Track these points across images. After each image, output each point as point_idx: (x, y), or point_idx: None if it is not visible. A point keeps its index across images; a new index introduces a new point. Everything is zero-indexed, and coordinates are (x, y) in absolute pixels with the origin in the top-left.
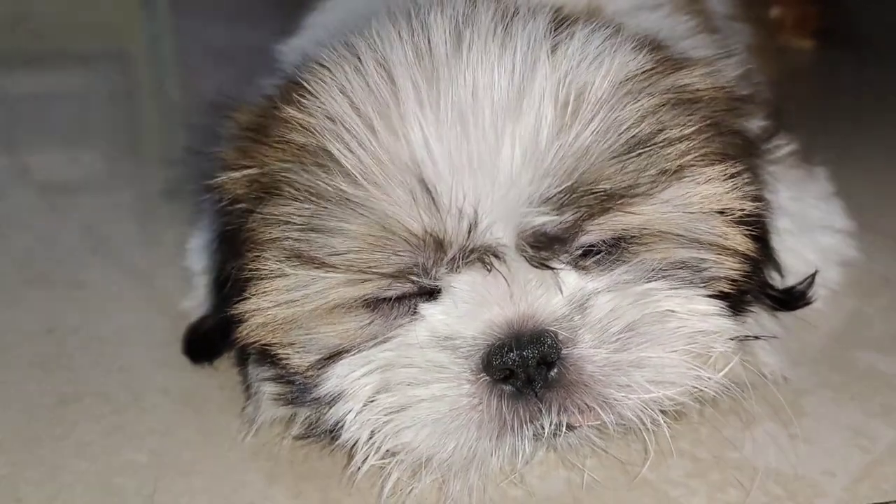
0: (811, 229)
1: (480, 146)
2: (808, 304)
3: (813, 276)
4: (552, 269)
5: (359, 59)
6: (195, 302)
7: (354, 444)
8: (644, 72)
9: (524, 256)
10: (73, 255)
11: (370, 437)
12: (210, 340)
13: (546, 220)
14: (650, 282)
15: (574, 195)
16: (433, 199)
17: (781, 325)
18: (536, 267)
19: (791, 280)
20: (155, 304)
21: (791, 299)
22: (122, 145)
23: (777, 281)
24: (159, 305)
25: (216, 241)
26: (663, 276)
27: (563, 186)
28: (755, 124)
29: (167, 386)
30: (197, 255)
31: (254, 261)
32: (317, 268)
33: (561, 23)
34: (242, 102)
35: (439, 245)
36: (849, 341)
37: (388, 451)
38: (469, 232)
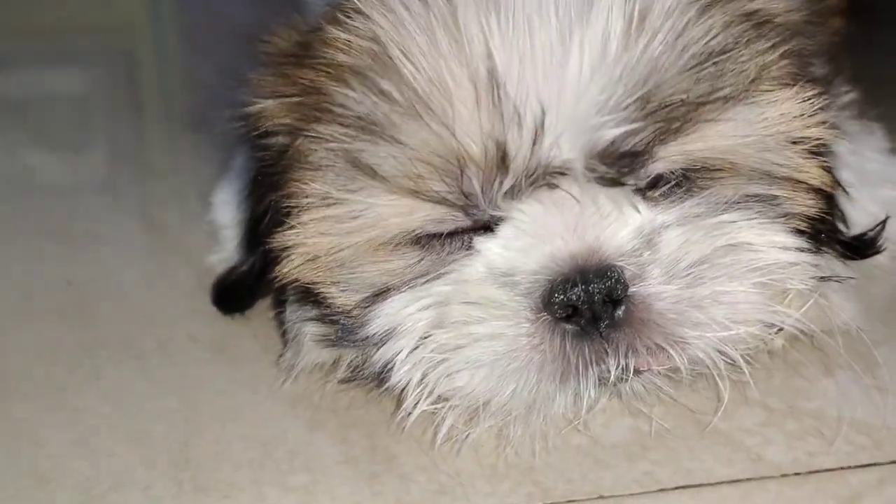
0: (871, 183)
1: (547, 54)
2: (878, 251)
3: (884, 222)
4: (623, 185)
5: None
6: (223, 255)
7: (405, 388)
8: None
9: (594, 176)
10: (91, 210)
11: (422, 380)
12: (242, 288)
13: (618, 132)
14: (723, 214)
15: (647, 107)
16: (496, 106)
17: (853, 273)
18: (608, 185)
19: (855, 232)
20: (179, 256)
21: (861, 246)
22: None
23: (845, 231)
24: (184, 257)
25: (251, 182)
26: (737, 209)
27: (635, 96)
28: (818, 67)
29: (195, 334)
30: (224, 207)
31: (297, 187)
32: (367, 184)
33: None
34: (279, 28)
35: (502, 160)
36: None
37: (441, 395)
38: (534, 144)
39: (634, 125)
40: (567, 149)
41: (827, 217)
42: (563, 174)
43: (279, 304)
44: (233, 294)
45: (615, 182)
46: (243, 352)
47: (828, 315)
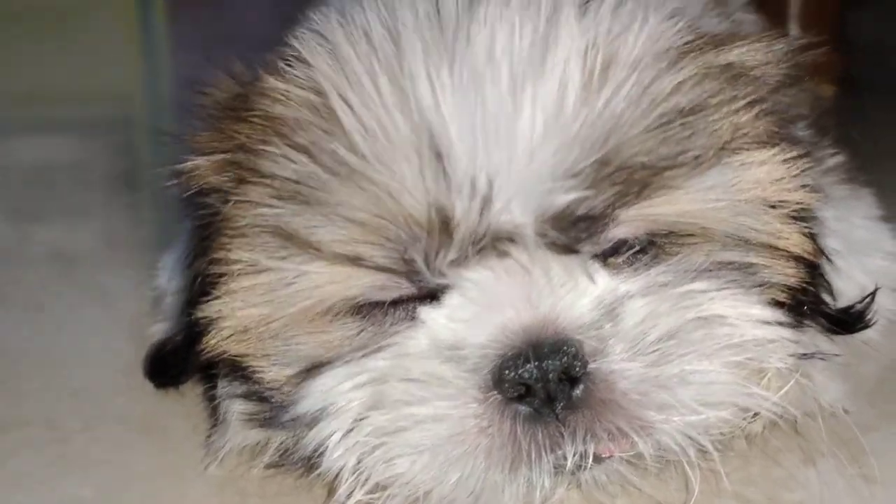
0: (860, 251)
1: (497, 111)
2: (866, 326)
3: (873, 294)
4: (578, 252)
5: (358, 22)
6: (164, 325)
7: (338, 475)
8: (684, 43)
9: (546, 243)
10: (41, 278)
11: (357, 466)
12: (176, 360)
13: (573, 197)
14: (693, 282)
15: (605, 170)
16: (441, 169)
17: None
18: (559, 252)
19: (841, 304)
20: (121, 328)
21: (849, 320)
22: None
23: (830, 304)
24: (125, 329)
25: (189, 243)
26: (708, 277)
27: (591, 159)
28: (800, 130)
29: (124, 413)
30: (168, 273)
31: (228, 253)
32: (300, 256)
33: None
34: (221, 78)
35: (446, 226)
36: None
37: (378, 483)
38: (482, 210)
39: (591, 190)
40: (517, 213)
41: (809, 288)
42: (512, 240)
43: (209, 379)
44: (166, 367)
45: (569, 249)
46: (173, 432)
47: (811, 397)
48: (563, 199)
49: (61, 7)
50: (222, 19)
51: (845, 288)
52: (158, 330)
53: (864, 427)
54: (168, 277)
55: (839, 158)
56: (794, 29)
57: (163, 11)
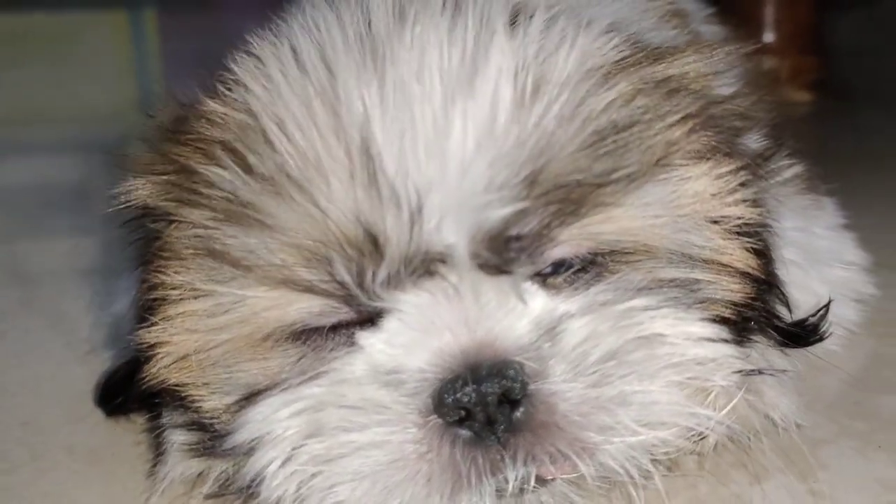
0: (820, 262)
1: (428, 126)
2: (821, 339)
3: (826, 306)
4: (513, 273)
5: (291, 44)
6: (115, 354)
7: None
8: (619, 59)
9: (479, 263)
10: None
11: (296, 494)
12: (123, 388)
13: (505, 213)
14: (633, 300)
15: (539, 186)
16: (372, 188)
17: (792, 365)
18: (494, 273)
19: (799, 316)
20: (75, 355)
21: (802, 333)
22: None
23: (786, 316)
24: (80, 356)
25: (132, 267)
26: (649, 294)
27: (523, 175)
28: (754, 141)
29: (73, 443)
30: (122, 298)
31: (164, 277)
32: (237, 275)
33: (518, 7)
34: (162, 103)
35: (375, 244)
36: (871, 386)
37: None
38: (412, 227)
39: (522, 205)
40: (449, 232)
41: (757, 303)
42: (444, 261)
43: (153, 408)
44: (115, 395)
45: (502, 270)
46: (120, 462)
47: (760, 413)
48: (495, 215)
49: (55, 29)
50: (214, 38)
51: (803, 299)
52: (112, 357)
53: (818, 441)
54: (121, 304)
55: (797, 168)
56: (769, 37)
57: (155, 32)
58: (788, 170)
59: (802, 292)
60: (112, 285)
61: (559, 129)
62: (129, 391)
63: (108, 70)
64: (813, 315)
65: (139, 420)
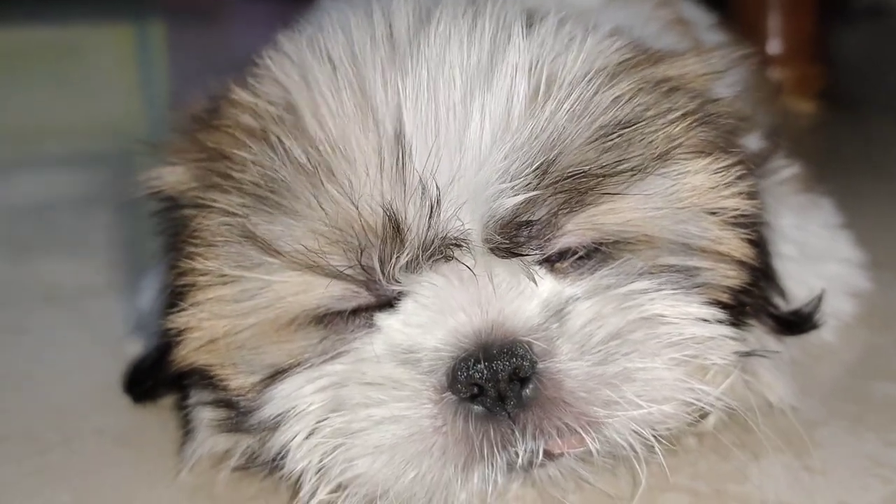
0: (815, 258)
1: (448, 122)
2: (814, 327)
3: (820, 297)
4: (523, 256)
5: (320, 41)
6: (143, 344)
7: (301, 476)
8: (623, 60)
9: (491, 247)
10: (23, 303)
11: (319, 466)
12: (151, 373)
13: (517, 201)
14: (634, 283)
15: (549, 176)
16: (397, 177)
17: (789, 353)
18: (505, 257)
19: (793, 307)
20: (100, 346)
21: (797, 321)
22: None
23: (781, 306)
24: (105, 349)
25: (162, 255)
26: (649, 278)
27: (536, 165)
28: (753, 142)
29: (103, 426)
30: (150, 292)
31: (194, 263)
32: (264, 260)
33: (532, 11)
34: (196, 94)
35: (398, 231)
36: (863, 372)
37: (339, 482)
38: (431, 214)
39: (533, 193)
40: (466, 219)
41: (753, 289)
42: (460, 246)
43: (182, 390)
44: (143, 381)
45: (513, 253)
46: (149, 443)
47: (757, 394)
48: (507, 203)
49: (60, 43)
50: (220, 53)
51: (798, 292)
52: (137, 348)
53: (812, 423)
54: (148, 297)
55: (795, 169)
56: (774, 46)
57: (161, 46)
58: (786, 170)
59: (798, 285)
60: (136, 281)
61: (569, 123)
62: (156, 377)
63: (113, 84)
64: (807, 304)
65: (165, 406)
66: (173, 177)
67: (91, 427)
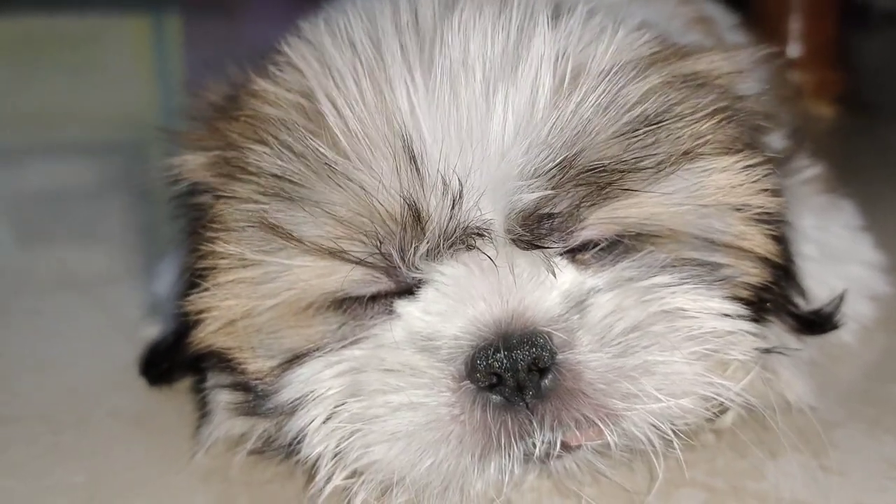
0: (836, 259)
1: (470, 113)
2: (835, 327)
3: (841, 297)
4: (544, 248)
5: (342, 28)
6: (160, 327)
7: (317, 461)
8: (651, 53)
9: (514, 239)
10: (38, 287)
11: (335, 452)
12: (168, 356)
13: (540, 195)
14: (656, 276)
15: (572, 171)
16: (416, 167)
17: (808, 353)
18: (526, 248)
19: (813, 307)
20: (116, 330)
21: (817, 321)
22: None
23: (802, 305)
24: (121, 331)
25: (180, 239)
26: (671, 272)
27: (559, 160)
28: (776, 140)
29: (117, 408)
30: (164, 276)
31: (214, 247)
32: (284, 250)
33: (560, 3)
34: (212, 80)
35: (418, 221)
36: (882, 375)
37: (355, 468)
38: (453, 206)
39: (556, 189)
40: (486, 210)
41: (774, 287)
42: (481, 235)
43: (198, 372)
44: (159, 364)
45: (533, 245)
46: (163, 425)
47: (776, 392)
48: (529, 197)
49: (79, 33)
50: (236, 44)
51: (819, 292)
52: (154, 332)
53: (830, 423)
54: (164, 282)
55: (817, 170)
56: (795, 50)
57: (177, 37)
58: (808, 170)
59: (819, 285)
60: (151, 267)
61: (595, 117)
62: (173, 359)
63: (129, 74)
64: (828, 304)
65: (180, 389)
66: (193, 164)
67: (106, 409)
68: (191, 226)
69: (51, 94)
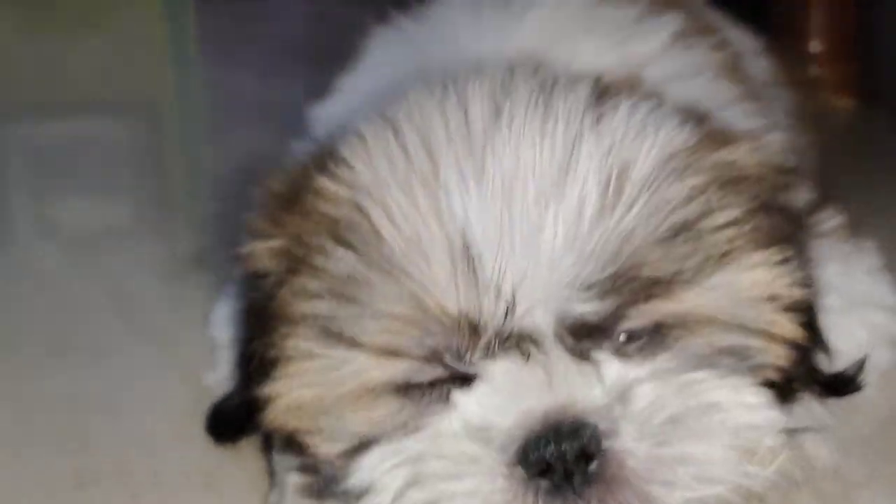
0: (859, 305)
1: (523, 224)
2: (857, 389)
3: (863, 360)
4: (593, 360)
5: (396, 131)
6: (219, 376)
7: None
8: (689, 147)
9: (564, 345)
10: (97, 318)
11: None
12: (234, 420)
13: (588, 308)
14: (695, 371)
15: (617, 282)
16: (471, 275)
17: (831, 413)
18: (576, 358)
19: (840, 362)
20: (178, 373)
21: (840, 384)
22: (149, 197)
23: (826, 363)
24: (182, 374)
25: (242, 314)
26: (708, 365)
27: (606, 273)
28: (800, 197)
29: (187, 464)
30: (222, 324)
31: (282, 339)
32: (346, 346)
33: (603, 93)
34: (274, 168)
35: (474, 327)
36: None
37: None
38: (506, 315)
39: (602, 300)
40: (539, 319)
41: (802, 364)
42: (534, 342)
43: (266, 445)
44: (225, 424)
45: (584, 356)
46: (232, 487)
47: (802, 465)
48: (578, 308)
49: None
50: (252, 22)
51: (842, 344)
52: (214, 380)
53: (852, 484)
54: (221, 330)
55: (839, 220)
56: (815, 45)
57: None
58: (832, 221)
59: (843, 339)
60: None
61: (638, 227)
62: (239, 425)
63: (143, 36)
64: (850, 368)
65: (244, 445)
66: (259, 252)
67: (176, 465)
68: (255, 310)
69: (67, 55)
